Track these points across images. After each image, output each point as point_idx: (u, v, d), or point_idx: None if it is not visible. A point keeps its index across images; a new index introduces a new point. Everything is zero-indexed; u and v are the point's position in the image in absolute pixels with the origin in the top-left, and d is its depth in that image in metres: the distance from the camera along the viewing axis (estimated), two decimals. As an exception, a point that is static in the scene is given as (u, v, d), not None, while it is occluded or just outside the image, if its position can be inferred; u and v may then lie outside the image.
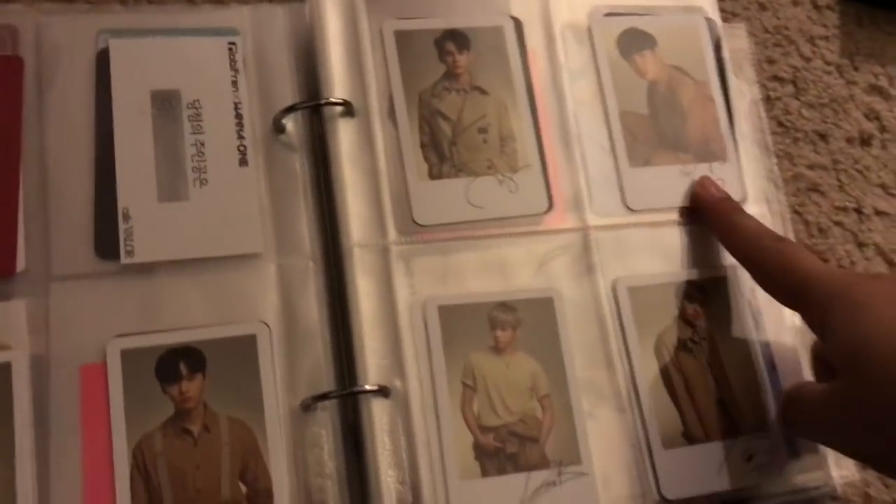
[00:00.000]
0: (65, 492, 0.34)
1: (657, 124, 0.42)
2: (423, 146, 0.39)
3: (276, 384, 0.36)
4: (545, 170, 0.40)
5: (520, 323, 0.38)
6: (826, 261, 0.47)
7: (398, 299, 0.37)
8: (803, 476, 0.39)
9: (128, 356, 0.36)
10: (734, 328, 0.40)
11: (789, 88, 0.51)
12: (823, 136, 0.50)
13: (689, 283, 0.40)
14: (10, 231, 0.36)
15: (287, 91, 0.41)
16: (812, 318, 0.35)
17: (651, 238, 0.41)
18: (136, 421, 0.35)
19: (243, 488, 0.35)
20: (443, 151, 0.39)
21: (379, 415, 0.36)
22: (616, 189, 0.41)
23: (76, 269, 0.37)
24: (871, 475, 0.43)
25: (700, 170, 0.42)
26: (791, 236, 0.46)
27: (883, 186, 0.50)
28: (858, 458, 0.36)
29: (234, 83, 0.40)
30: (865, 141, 0.51)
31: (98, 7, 0.42)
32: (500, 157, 0.40)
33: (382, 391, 0.36)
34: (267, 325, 0.37)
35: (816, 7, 0.53)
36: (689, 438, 0.38)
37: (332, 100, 0.39)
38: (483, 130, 0.40)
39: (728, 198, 0.41)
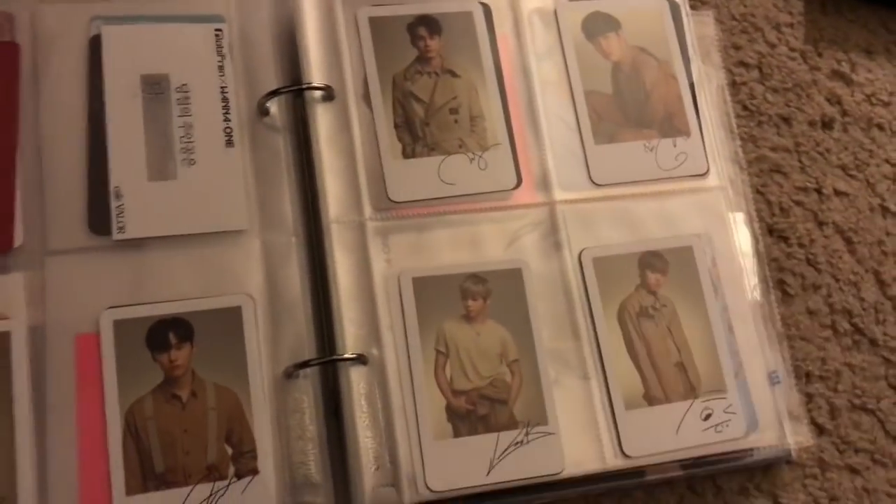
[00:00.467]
0: (61, 453, 0.36)
1: (621, 103, 0.45)
2: (396, 127, 0.41)
3: (260, 353, 0.39)
4: (513, 148, 0.42)
5: (490, 293, 0.40)
6: (786, 239, 0.50)
7: (374, 272, 0.40)
8: (758, 437, 0.41)
9: (120, 326, 0.38)
10: (694, 295, 0.42)
11: (755, 73, 0.53)
12: (787, 120, 0.53)
13: (652, 254, 0.42)
14: (7, 208, 0.38)
15: (271, 76, 0.43)
16: None
17: (615, 211, 0.43)
18: (128, 387, 0.37)
19: (229, 450, 0.37)
20: (416, 132, 0.42)
21: (356, 381, 0.38)
22: (582, 165, 0.43)
23: (70, 245, 0.39)
24: (826, 441, 0.46)
25: (664, 145, 0.44)
26: (754, 215, 0.48)
27: (843, 168, 0.52)
28: None
29: (221, 68, 0.42)
30: (827, 124, 0.53)
31: (90, -4, 0.43)
32: (470, 136, 0.42)
33: (360, 359, 0.38)
34: (252, 297, 0.39)
35: (782, -5, 0.55)
36: (650, 400, 0.40)
37: (313, 84, 0.41)
38: (454, 111, 0.42)
39: None
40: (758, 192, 0.50)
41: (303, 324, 0.40)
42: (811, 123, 0.53)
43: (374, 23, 0.42)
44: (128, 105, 0.41)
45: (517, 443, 0.38)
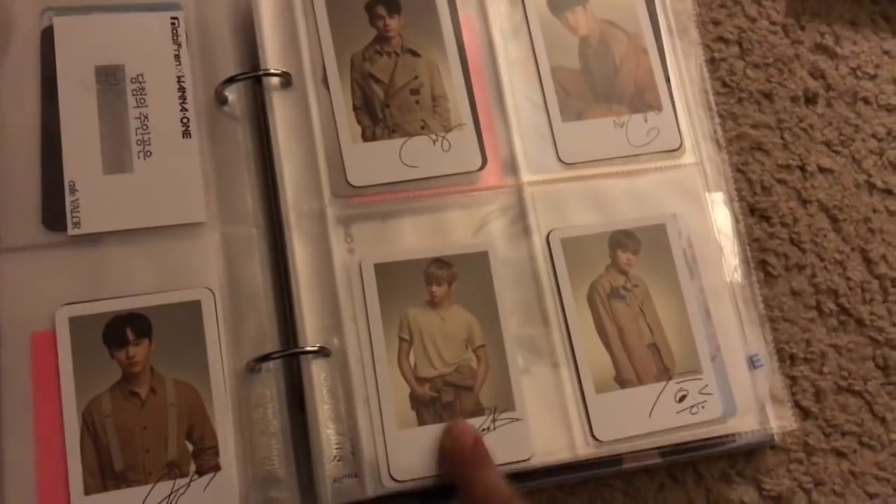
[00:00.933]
0: (18, 452, 0.35)
1: (589, 78, 0.43)
2: (356, 109, 0.40)
3: (220, 347, 0.38)
4: (478, 129, 0.41)
5: (455, 278, 0.39)
6: (768, 218, 0.48)
7: (335, 261, 0.39)
8: (737, 422, 0.40)
9: (76, 323, 0.37)
10: (668, 275, 0.41)
11: (734, 49, 0.52)
12: (768, 96, 0.51)
13: (622, 232, 0.41)
14: (-42, 205, 0.37)
15: (229, 64, 0.42)
16: None
17: (585, 190, 0.42)
18: (86, 384, 0.36)
19: (190, 447, 0.36)
20: (375, 114, 0.40)
21: (318, 373, 0.37)
22: (549, 144, 0.42)
23: (25, 241, 0.38)
24: (812, 425, 0.45)
25: (634, 120, 0.43)
26: (734, 195, 0.47)
27: (827, 144, 0.51)
28: None
29: (177, 57, 0.41)
30: (810, 99, 0.52)
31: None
32: (432, 117, 0.41)
33: (322, 351, 0.37)
34: (211, 290, 0.38)
35: (763, -32, 0.54)
36: (622, 382, 0.39)
37: (270, 71, 0.40)
38: (415, 92, 0.41)
39: (477, 445, 0.36)
40: (738, 170, 0.49)
41: (265, 317, 0.39)
42: (794, 99, 0.51)
43: (331, 4, 0.41)
44: (82, 97, 0.40)
45: (483, 429, 0.37)
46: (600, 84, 0.43)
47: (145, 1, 0.42)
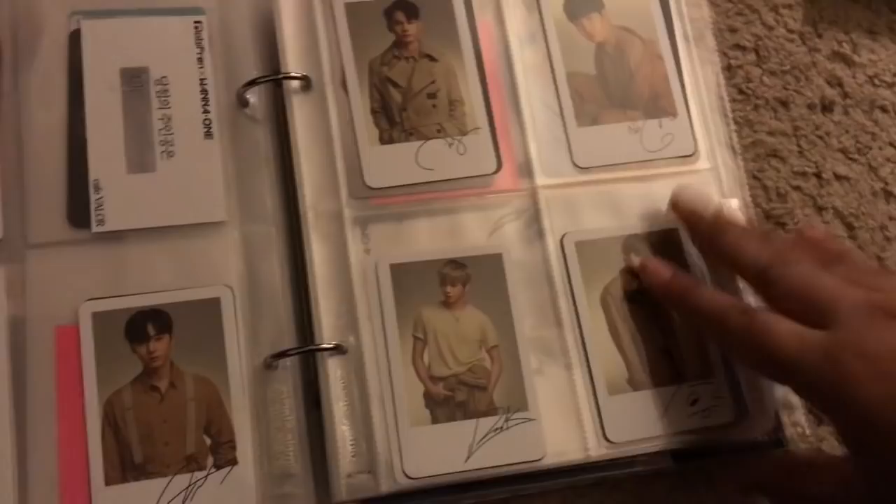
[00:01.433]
0: (41, 443, 0.36)
1: (605, 84, 0.44)
2: (373, 113, 0.41)
3: (239, 344, 0.38)
4: (494, 132, 0.42)
5: (469, 279, 0.39)
6: (783, 225, 0.48)
7: (352, 261, 0.39)
8: (749, 426, 0.40)
9: (99, 318, 0.38)
10: None
11: (751, 56, 0.52)
12: (784, 103, 0.51)
13: (635, 237, 0.41)
14: (-13, 202, 0.39)
15: (250, 67, 0.43)
16: (804, 394, 0.35)
17: (599, 195, 0.42)
18: (107, 378, 0.37)
19: (207, 441, 0.37)
20: (393, 117, 0.41)
21: (334, 371, 0.38)
22: (564, 149, 0.43)
23: (50, 237, 0.39)
24: (826, 430, 0.44)
25: (649, 126, 0.43)
26: (749, 201, 0.47)
27: (843, 151, 0.51)
28: None
29: (200, 60, 0.42)
30: (827, 107, 0.52)
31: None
32: (449, 120, 0.41)
33: (338, 348, 0.38)
34: (231, 288, 0.39)
35: (780, -24, 0.54)
36: (634, 385, 0.39)
37: (290, 74, 0.41)
38: (432, 96, 0.41)
39: (677, 276, 0.39)
40: (754, 177, 0.49)
41: (283, 314, 0.40)
42: (810, 106, 0.51)
43: (351, 9, 0.42)
44: (107, 98, 0.41)
45: (496, 429, 0.38)
46: (615, 90, 0.44)
47: (170, 5, 0.43)
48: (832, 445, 0.44)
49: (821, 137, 0.51)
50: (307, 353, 0.39)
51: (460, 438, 0.37)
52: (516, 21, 0.44)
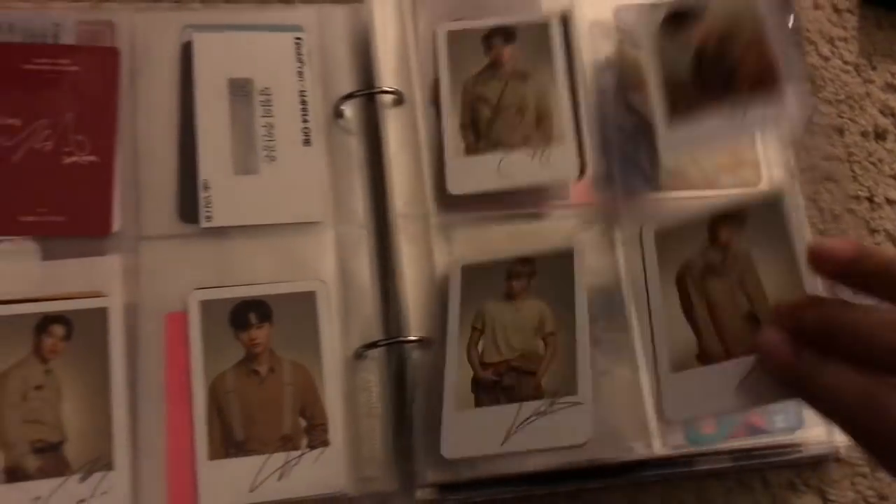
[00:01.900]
0: (150, 420, 0.39)
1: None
2: (462, 127, 0.44)
3: (332, 334, 0.42)
4: (580, 146, 0.44)
5: (535, 273, 0.42)
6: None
7: (436, 262, 0.42)
8: (805, 433, 0.43)
9: (206, 306, 0.41)
10: (777, 246, 0.39)
11: (808, 86, 0.55)
12: (839, 130, 0.54)
13: (724, 209, 0.41)
14: (107, 197, 0.42)
15: (345, 81, 0.46)
16: None
17: (671, 209, 0.45)
18: (212, 362, 0.40)
19: (302, 423, 0.40)
20: (480, 130, 0.44)
21: (419, 361, 0.41)
22: (636, 166, 0.46)
23: (162, 231, 0.42)
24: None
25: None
26: (805, 223, 0.49)
27: (895, 177, 0.53)
28: None
29: (300, 73, 0.46)
30: (880, 135, 0.54)
31: (183, 5, 0.47)
32: (534, 134, 0.44)
33: (423, 341, 0.41)
34: (325, 282, 0.42)
35: (837, 10, 0.57)
36: (705, 359, 0.39)
37: (384, 88, 0.45)
38: (521, 111, 0.44)
39: (802, 358, 0.32)
40: (810, 199, 0.52)
41: (371, 309, 0.43)
42: (864, 134, 0.54)
43: (452, 35, 0.45)
44: (216, 106, 0.44)
45: (539, 413, 0.39)
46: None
47: (273, 22, 0.47)
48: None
49: (873, 164, 0.53)
50: (395, 345, 0.42)
51: (500, 421, 0.39)
52: (595, 47, 0.47)
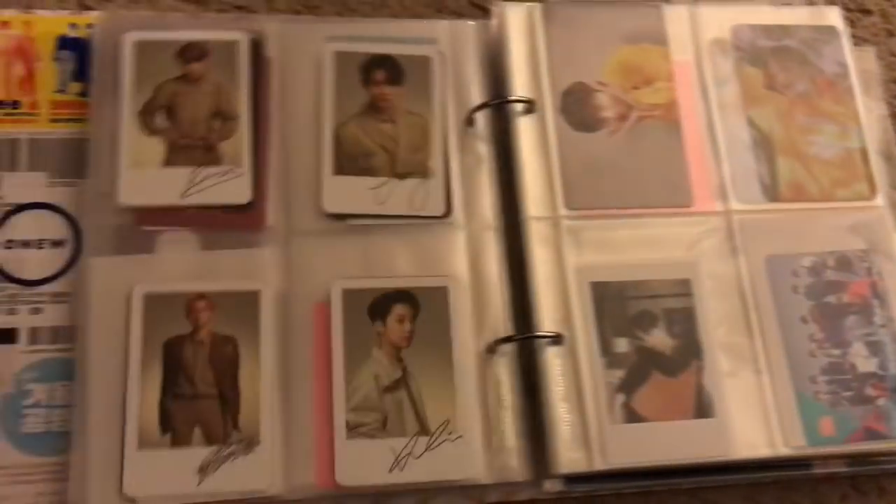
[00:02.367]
0: (300, 399, 0.42)
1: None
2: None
3: (465, 328, 0.44)
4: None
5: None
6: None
7: (567, 263, 0.45)
8: None
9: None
10: None
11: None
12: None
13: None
14: (263, 196, 0.45)
15: (475, 91, 0.49)
16: None
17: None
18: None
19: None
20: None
21: (552, 357, 0.43)
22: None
23: (311, 227, 0.45)
24: None
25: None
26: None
27: None
28: None
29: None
30: None
31: (325, 19, 0.51)
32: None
33: (557, 337, 0.43)
34: (457, 280, 0.45)
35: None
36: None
37: (518, 98, 0.47)
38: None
39: None
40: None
41: (499, 306, 0.45)
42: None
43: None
44: (358, 111, 0.47)
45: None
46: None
47: (408, 35, 0.50)
48: None
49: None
50: (526, 341, 0.44)
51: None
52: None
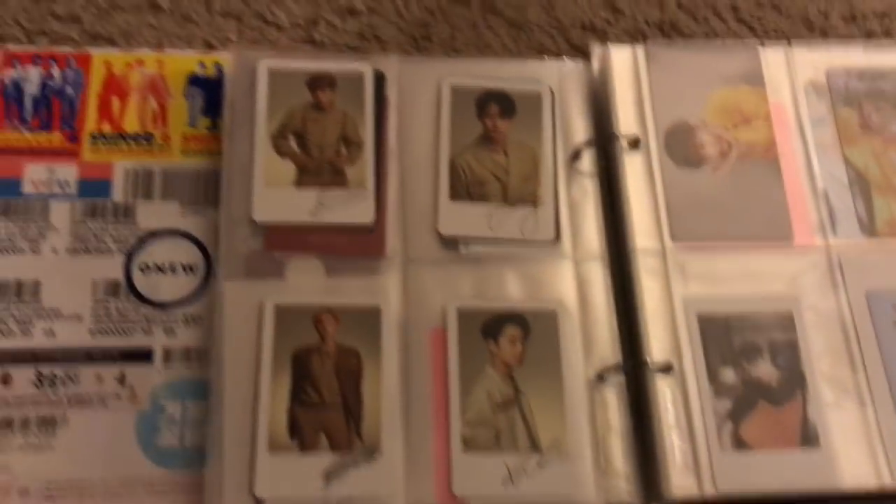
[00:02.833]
0: (420, 424, 0.44)
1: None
2: (696, 174, 0.49)
3: (575, 355, 0.46)
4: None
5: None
6: None
7: (674, 294, 0.46)
8: None
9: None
10: None
11: None
12: None
13: None
14: (382, 221, 0.48)
15: (579, 128, 0.51)
16: None
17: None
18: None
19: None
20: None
21: (661, 385, 0.45)
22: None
23: (426, 256, 0.48)
24: None
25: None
26: None
27: None
28: None
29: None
30: None
31: (436, 59, 0.54)
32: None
33: (667, 366, 0.45)
34: (566, 305, 0.47)
35: None
36: None
37: (624, 134, 0.49)
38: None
39: None
40: None
41: (607, 333, 0.47)
42: None
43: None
44: (470, 146, 0.50)
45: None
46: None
47: (517, 74, 0.52)
48: None
49: None
50: (634, 369, 0.46)
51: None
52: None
